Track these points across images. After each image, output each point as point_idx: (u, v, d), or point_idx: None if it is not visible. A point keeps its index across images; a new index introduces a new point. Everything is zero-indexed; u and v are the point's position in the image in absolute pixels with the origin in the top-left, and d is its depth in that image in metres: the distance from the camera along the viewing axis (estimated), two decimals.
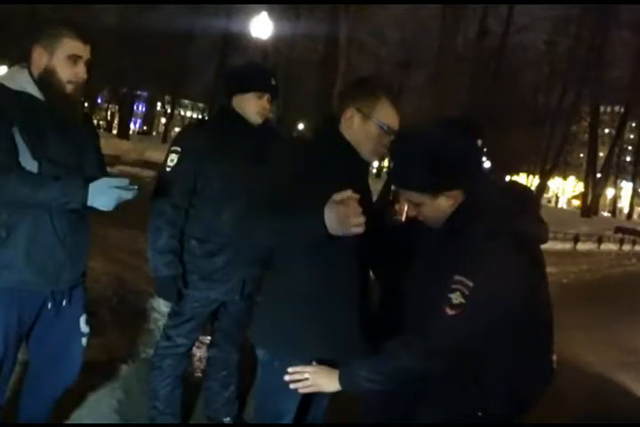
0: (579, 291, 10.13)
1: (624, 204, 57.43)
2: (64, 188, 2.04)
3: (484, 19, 29.45)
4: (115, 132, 40.25)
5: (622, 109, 39.27)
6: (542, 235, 1.90)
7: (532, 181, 40.89)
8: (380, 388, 1.84)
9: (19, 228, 2.11)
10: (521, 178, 41.64)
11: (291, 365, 1.90)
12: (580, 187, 50.65)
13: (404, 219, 2.23)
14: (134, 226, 4.78)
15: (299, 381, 1.88)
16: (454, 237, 1.81)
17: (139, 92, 44.18)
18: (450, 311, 1.70)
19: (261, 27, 17.20)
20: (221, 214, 2.58)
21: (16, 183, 2.01)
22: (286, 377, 1.89)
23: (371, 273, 2.21)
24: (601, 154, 41.89)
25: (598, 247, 20.29)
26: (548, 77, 36.39)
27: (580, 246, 19.00)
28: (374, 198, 2.26)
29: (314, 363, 1.91)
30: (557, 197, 65.04)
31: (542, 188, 34.87)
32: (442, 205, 1.83)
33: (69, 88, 2.18)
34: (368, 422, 2.34)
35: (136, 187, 2.09)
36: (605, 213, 50.97)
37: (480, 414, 1.86)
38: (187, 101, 60.38)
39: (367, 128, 2.02)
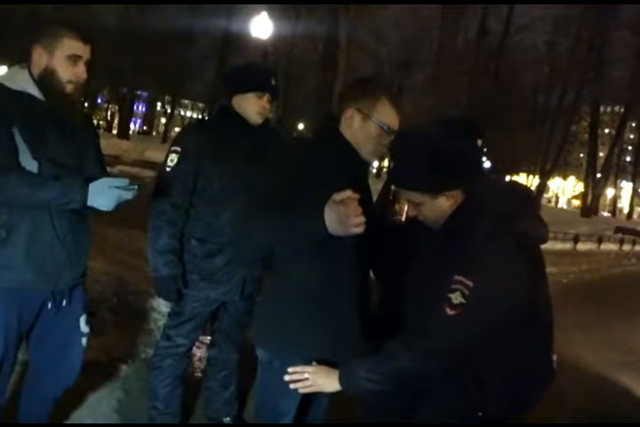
0: (579, 291, 10.13)
1: (624, 204, 57.41)
2: (64, 188, 2.04)
3: (483, 19, 29.43)
4: (115, 132, 40.28)
5: (622, 109, 39.22)
6: (542, 235, 1.90)
7: (532, 181, 40.83)
8: (380, 388, 1.84)
9: (19, 228, 2.10)
10: (521, 178, 41.58)
11: (291, 365, 1.91)
12: (580, 187, 50.64)
13: (404, 219, 2.23)
14: (134, 226, 4.79)
15: (299, 381, 1.89)
16: (454, 237, 1.81)
17: (139, 92, 44.20)
18: (450, 311, 1.70)
19: (261, 27, 17.18)
20: (221, 214, 2.58)
21: (16, 183, 2.01)
22: (286, 377, 1.90)
23: (371, 273, 2.21)
24: (601, 154, 41.88)
25: (598, 247, 20.30)
26: (548, 77, 36.32)
27: (580, 246, 19.02)
28: (374, 198, 2.26)
29: (314, 363, 1.91)
30: (557, 197, 65.01)
31: (542, 188, 34.83)
32: (442, 205, 1.83)
33: (69, 88, 2.18)
34: (368, 422, 2.34)
35: (136, 187, 2.09)
36: (605, 213, 50.95)
37: (480, 414, 1.86)
38: (187, 101, 60.32)
39: (367, 128, 2.02)
